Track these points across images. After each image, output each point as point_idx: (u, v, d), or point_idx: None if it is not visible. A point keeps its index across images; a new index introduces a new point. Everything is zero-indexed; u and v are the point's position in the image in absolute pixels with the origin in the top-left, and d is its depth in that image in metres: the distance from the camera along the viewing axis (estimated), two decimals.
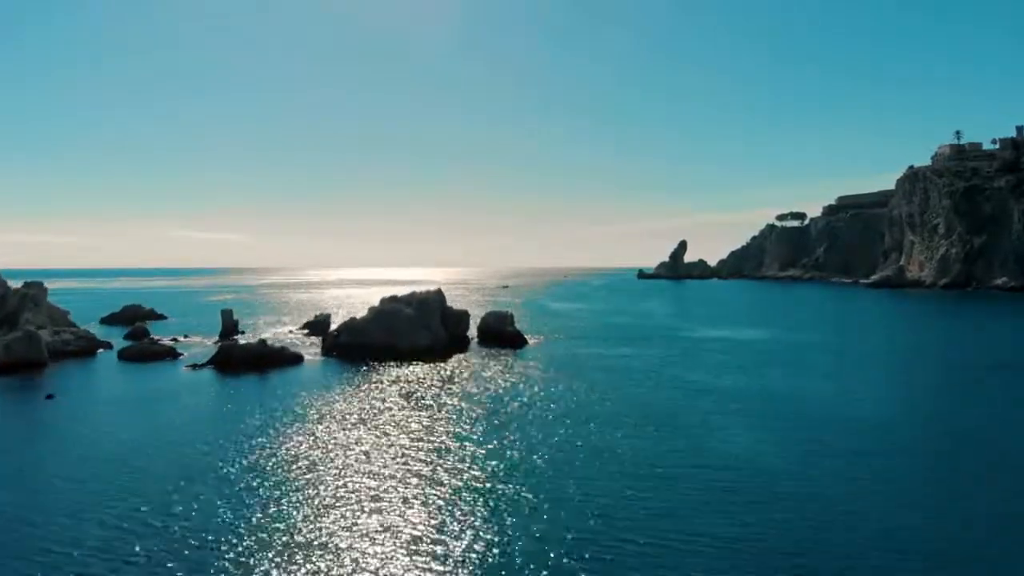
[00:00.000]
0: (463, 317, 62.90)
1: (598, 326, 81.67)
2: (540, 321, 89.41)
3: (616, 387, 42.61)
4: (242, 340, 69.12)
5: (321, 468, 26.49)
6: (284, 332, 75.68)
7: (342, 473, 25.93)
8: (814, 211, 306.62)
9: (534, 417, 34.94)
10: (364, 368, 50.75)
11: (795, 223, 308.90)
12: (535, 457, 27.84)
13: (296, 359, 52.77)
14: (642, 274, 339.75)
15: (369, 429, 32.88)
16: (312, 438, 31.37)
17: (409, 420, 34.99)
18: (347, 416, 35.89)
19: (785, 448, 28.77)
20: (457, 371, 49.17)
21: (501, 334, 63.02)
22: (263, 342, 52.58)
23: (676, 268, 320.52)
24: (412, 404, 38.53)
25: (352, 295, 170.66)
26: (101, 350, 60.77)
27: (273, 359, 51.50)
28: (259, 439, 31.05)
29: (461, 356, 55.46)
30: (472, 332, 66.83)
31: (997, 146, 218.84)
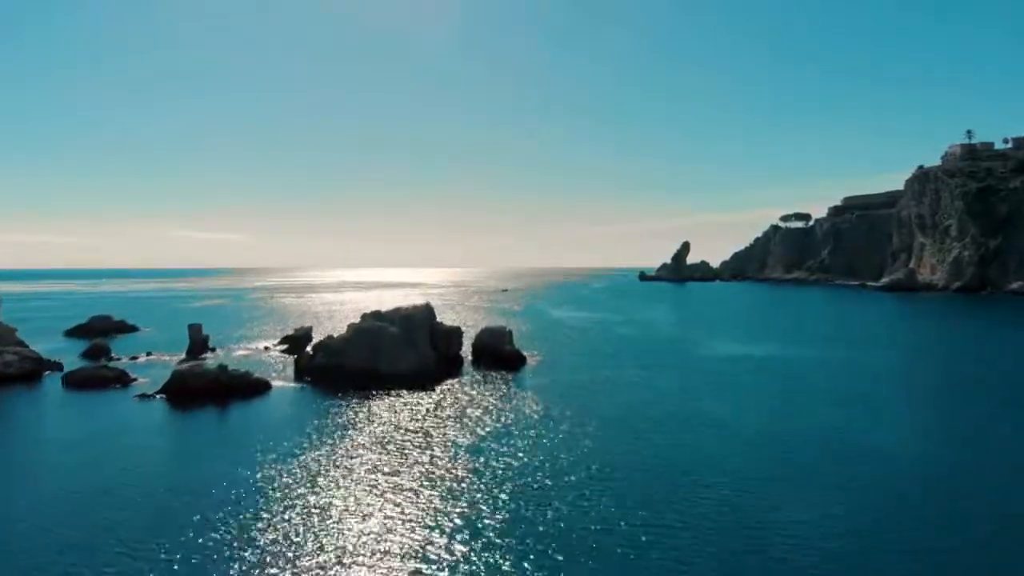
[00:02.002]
0: (454, 334, 56.20)
1: (603, 340, 75.02)
2: (540, 333, 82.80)
3: (632, 430, 35.96)
4: (211, 359, 62.87)
5: (272, 537, 19.98)
6: (260, 348, 69.05)
7: (298, 541, 19.59)
8: (819, 212, 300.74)
9: (532, 477, 28.31)
10: (339, 398, 44.14)
11: (799, 224, 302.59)
12: (533, 541, 21.25)
13: (262, 386, 46.17)
14: (643, 276, 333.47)
15: (334, 486, 26.36)
16: (266, 497, 25.04)
17: (383, 470, 28.62)
18: (310, 466, 29.45)
19: (876, 542, 22.18)
20: (444, 403, 42.55)
21: (498, 353, 56.43)
22: (223, 367, 45.90)
23: (678, 270, 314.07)
24: (389, 449, 31.96)
25: (346, 301, 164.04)
26: (48, 372, 54.12)
27: (235, 387, 44.90)
28: (204, 499, 24.65)
29: (451, 382, 48.80)
30: (466, 347, 60.34)
31: (1010, 145, 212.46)
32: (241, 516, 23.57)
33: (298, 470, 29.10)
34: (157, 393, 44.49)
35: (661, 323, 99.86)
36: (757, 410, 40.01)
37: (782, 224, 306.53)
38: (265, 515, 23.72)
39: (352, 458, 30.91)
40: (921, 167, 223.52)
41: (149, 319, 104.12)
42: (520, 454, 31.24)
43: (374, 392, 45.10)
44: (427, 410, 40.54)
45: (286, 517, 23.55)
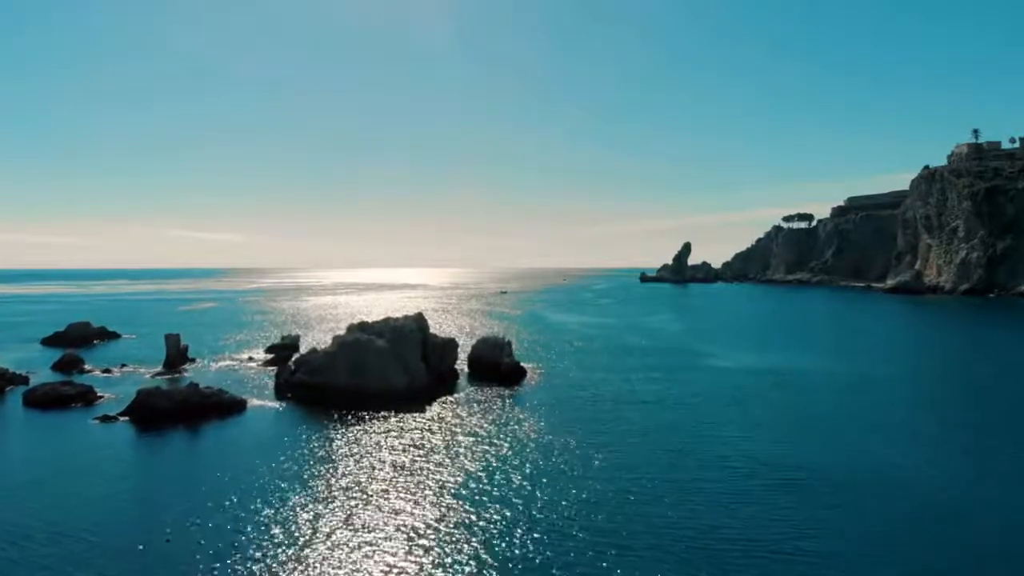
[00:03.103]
0: (448, 347, 52.07)
1: (608, 350, 70.96)
2: (540, 341, 78.76)
3: (646, 463, 31.99)
4: (189, 370, 58.99)
5: None
6: (243, 359, 65.01)
7: None
8: (821, 212, 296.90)
9: (531, 520, 24.32)
10: (320, 420, 40.17)
11: (802, 225, 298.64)
12: None
13: (237, 406, 42.17)
14: (644, 277, 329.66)
15: (310, 528, 22.44)
16: (229, 542, 21.19)
17: (364, 508, 24.96)
18: (283, 502, 25.69)
19: None
20: (435, 426, 38.56)
21: (495, 367, 52.41)
22: (194, 386, 41.86)
23: (680, 271, 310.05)
24: (371, 483, 28.05)
25: (340, 305, 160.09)
26: (11, 388, 50.06)
27: (207, 407, 40.91)
28: (153, 547, 20.57)
29: (444, 401, 44.77)
30: (462, 357, 56.36)
31: (1017, 145, 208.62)
32: (196, 563, 19.65)
33: (269, 508, 25.44)
34: (120, 415, 40.46)
35: (668, 330, 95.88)
36: (788, 439, 35.79)
37: (785, 225, 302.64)
38: (224, 564, 19.79)
39: (331, 493, 27.15)
40: (927, 167, 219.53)
41: (134, 324, 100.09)
42: (518, 490, 27.29)
43: (359, 413, 41.11)
44: (416, 435, 36.58)
45: (250, 564, 19.64)
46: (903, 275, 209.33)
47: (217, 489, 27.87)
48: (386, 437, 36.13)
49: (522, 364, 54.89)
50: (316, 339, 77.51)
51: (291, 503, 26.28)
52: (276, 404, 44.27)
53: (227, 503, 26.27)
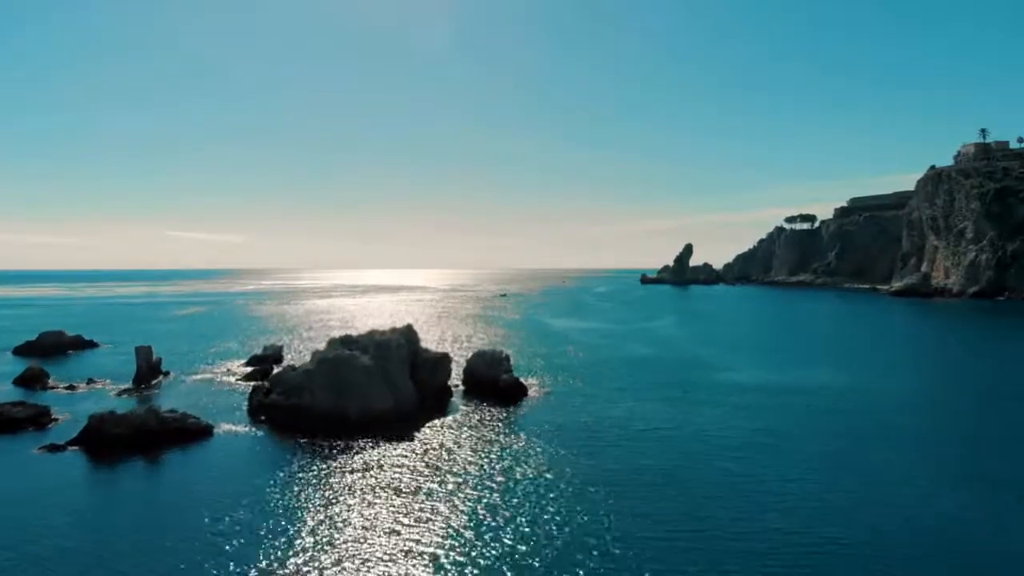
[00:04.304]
0: (441, 363, 47.45)
1: (614, 363, 66.35)
2: (542, 351, 74.29)
3: (667, 510, 27.60)
4: (161, 385, 54.71)
5: None
6: (222, 371, 60.57)
7: None
8: (824, 213, 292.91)
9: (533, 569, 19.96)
10: (295, 448, 35.82)
11: (805, 226, 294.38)
12: None
13: (202, 433, 37.70)
14: (645, 278, 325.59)
15: None
16: None
17: (339, 556, 20.42)
18: (243, 555, 21.17)
19: None
20: (424, 458, 34.15)
21: (493, 384, 47.94)
22: (153, 410, 37.37)
23: (681, 272, 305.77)
24: (347, 526, 23.54)
25: (333, 309, 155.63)
26: None
27: (168, 434, 36.47)
28: None
29: (435, 425, 40.29)
30: (457, 372, 51.94)
31: None
32: None
33: (224, 557, 20.97)
34: (69, 443, 35.98)
35: (675, 338, 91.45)
36: (837, 487, 30.75)
37: (787, 226, 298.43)
38: None
39: (299, 540, 22.65)
40: (933, 167, 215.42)
41: (115, 332, 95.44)
42: (517, 537, 22.84)
43: (337, 441, 36.69)
44: (400, 469, 32.19)
45: None
46: (910, 277, 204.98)
47: (169, 536, 23.58)
48: (365, 473, 31.70)
49: (522, 380, 50.40)
50: (301, 349, 73.14)
51: (251, 555, 21.91)
52: (247, 429, 39.77)
53: (179, 552, 21.92)
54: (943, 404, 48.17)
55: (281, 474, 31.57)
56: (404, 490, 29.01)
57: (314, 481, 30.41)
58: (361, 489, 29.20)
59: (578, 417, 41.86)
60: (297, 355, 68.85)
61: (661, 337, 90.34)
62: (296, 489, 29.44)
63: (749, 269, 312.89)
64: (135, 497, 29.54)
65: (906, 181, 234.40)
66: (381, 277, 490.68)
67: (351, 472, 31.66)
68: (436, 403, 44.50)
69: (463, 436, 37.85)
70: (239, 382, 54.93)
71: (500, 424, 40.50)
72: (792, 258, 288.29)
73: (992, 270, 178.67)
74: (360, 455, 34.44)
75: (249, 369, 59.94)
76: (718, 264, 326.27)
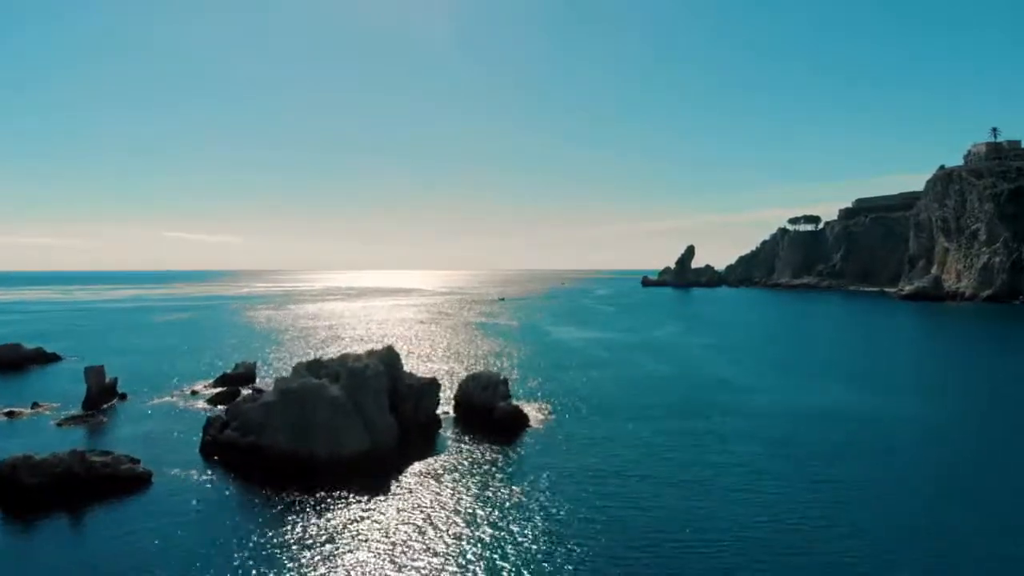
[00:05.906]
0: (427, 391, 41.09)
1: (621, 381, 59.93)
2: (543, 368, 68.04)
3: None
4: (117, 408, 48.70)
5: None
6: (186, 393, 54.29)
7: None
8: (829, 214, 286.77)
9: None
10: (250, 499, 29.79)
11: (809, 227, 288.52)
12: None
13: (138, 481, 31.46)
14: (646, 280, 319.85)
15: None
16: None
17: None
18: None
19: None
20: (402, 514, 27.96)
21: (489, 412, 41.75)
22: (79, 455, 31.09)
23: (683, 274, 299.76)
24: None
25: (322, 315, 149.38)
26: None
27: (97, 482, 30.31)
28: None
29: (417, 469, 34.02)
30: (447, 395, 45.85)
31: None
32: None
33: None
34: None
35: (683, 348, 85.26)
36: (915, 558, 25.25)
37: (790, 227, 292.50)
38: None
39: None
40: (943, 167, 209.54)
41: (84, 342, 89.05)
42: None
43: (302, 489, 30.61)
44: (373, 527, 26.05)
45: None
46: (920, 281, 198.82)
47: None
48: (329, 534, 25.49)
49: (521, 407, 44.17)
50: (278, 366, 66.89)
51: None
52: (195, 474, 33.46)
53: None
54: (997, 431, 42.07)
55: (226, 536, 25.55)
56: (371, 560, 22.84)
57: (267, 547, 24.33)
58: (321, 557, 23.06)
59: (585, 459, 35.47)
60: (272, 372, 62.63)
61: (670, 348, 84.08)
62: (244, 554, 23.43)
63: (752, 271, 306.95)
64: (48, 568, 23.47)
65: (911, 181, 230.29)
66: (378, 279, 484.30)
67: (312, 535, 25.51)
68: (421, 439, 38.23)
69: (450, 486, 31.63)
70: (202, 407, 48.64)
71: (495, 469, 34.22)
72: (796, 260, 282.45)
73: (1006, 273, 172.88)
74: (325, 511, 28.29)
75: (217, 390, 53.65)
76: (719, 265, 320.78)
